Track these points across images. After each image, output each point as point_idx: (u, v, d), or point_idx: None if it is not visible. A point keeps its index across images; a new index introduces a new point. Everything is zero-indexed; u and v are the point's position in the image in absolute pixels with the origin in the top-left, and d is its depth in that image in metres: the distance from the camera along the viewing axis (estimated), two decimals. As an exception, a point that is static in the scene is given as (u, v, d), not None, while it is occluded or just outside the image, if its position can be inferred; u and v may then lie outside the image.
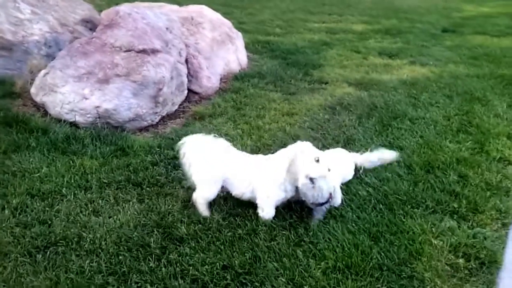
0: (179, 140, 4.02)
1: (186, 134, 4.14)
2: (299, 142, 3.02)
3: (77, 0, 6.87)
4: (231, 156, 3.19)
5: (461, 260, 2.73)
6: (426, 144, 4.08)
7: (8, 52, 5.51)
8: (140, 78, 4.39)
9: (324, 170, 2.85)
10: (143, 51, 4.51)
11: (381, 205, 3.20)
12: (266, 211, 3.00)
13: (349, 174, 3.47)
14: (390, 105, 5.01)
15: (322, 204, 2.95)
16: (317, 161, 2.85)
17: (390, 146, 4.06)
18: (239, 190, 3.09)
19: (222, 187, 3.12)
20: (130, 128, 4.45)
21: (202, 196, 3.07)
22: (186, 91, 5.17)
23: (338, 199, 3.15)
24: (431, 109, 4.91)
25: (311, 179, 2.82)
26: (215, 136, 3.25)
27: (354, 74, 6.32)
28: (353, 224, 2.98)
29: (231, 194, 3.16)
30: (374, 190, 3.36)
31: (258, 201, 3.03)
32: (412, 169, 3.67)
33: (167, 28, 4.99)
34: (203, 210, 3.06)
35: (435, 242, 2.86)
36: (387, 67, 6.77)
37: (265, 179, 2.98)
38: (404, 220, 3.03)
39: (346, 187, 3.35)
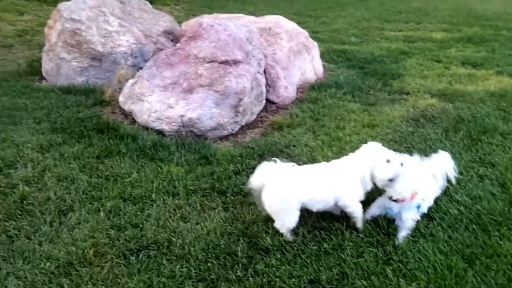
0: (259, 149, 4.11)
1: (265, 144, 4.23)
2: (369, 143, 3.07)
3: (159, 13, 7.20)
4: (302, 177, 3.03)
5: None
6: (521, 161, 3.83)
7: (98, 62, 5.88)
8: (222, 88, 4.50)
9: (396, 170, 2.89)
10: (226, 62, 4.62)
11: (474, 225, 3.04)
12: (357, 208, 3.00)
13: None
14: (478, 118, 4.76)
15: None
16: (388, 161, 2.91)
17: (481, 162, 3.85)
18: (321, 204, 3.02)
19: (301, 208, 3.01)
20: (212, 136, 4.56)
21: (282, 228, 2.96)
22: (264, 101, 5.23)
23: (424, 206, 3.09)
24: (525, 124, 4.61)
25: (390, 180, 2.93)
26: (275, 160, 3.06)
27: (436, 84, 6.08)
28: (445, 244, 2.85)
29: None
30: (466, 209, 3.20)
31: (342, 203, 3.00)
32: (506, 188, 3.45)
33: (247, 39, 5.08)
34: (287, 236, 2.96)
35: (538, 268, 2.66)
36: (472, 77, 6.44)
37: (344, 183, 2.99)
38: (501, 242, 2.85)
39: (435, 205, 3.21)
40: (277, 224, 2.97)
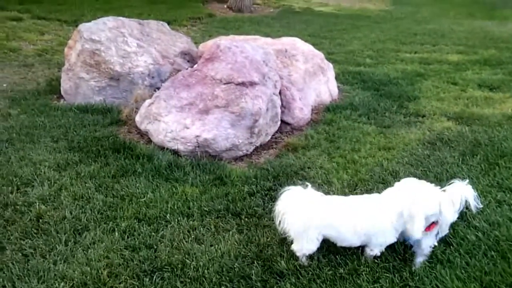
0: (274, 171, 4.10)
1: (280, 166, 4.23)
2: (405, 180, 2.91)
3: (176, 34, 7.31)
4: (329, 206, 2.93)
5: None
6: (541, 186, 3.76)
7: (116, 82, 5.97)
8: (238, 110, 4.53)
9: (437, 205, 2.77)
10: (242, 84, 4.66)
11: (492, 252, 2.98)
12: (375, 252, 2.90)
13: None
14: (495, 142, 4.70)
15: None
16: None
17: (499, 187, 3.79)
18: (348, 241, 2.90)
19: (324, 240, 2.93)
20: (226, 157, 4.58)
21: (300, 252, 2.92)
22: (279, 122, 5.25)
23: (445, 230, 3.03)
24: (543, 148, 4.54)
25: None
26: (305, 185, 3.01)
27: (452, 107, 6.04)
28: (463, 271, 2.80)
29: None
30: (484, 235, 3.14)
31: (371, 246, 2.90)
32: (526, 214, 3.39)
33: (263, 61, 5.12)
34: (303, 261, 2.93)
35: (560, 299, 2.59)
36: (489, 100, 6.39)
37: (378, 225, 2.79)
38: (522, 269, 2.79)
39: (452, 230, 3.16)
40: (294, 247, 2.93)
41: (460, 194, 3.15)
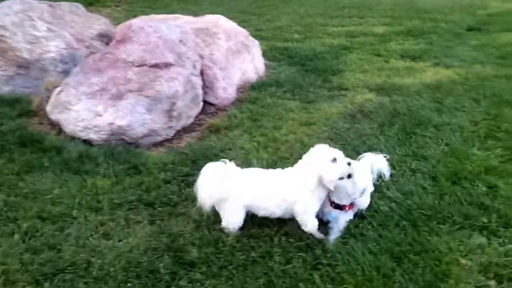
0: (193, 155, 3.96)
1: (200, 149, 4.10)
2: (316, 145, 2.96)
3: (93, 16, 6.89)
4: (248, 177, 2.99)
5: (492, 282, 2.53)
6: (452, 152, 3.86)
7: (25, 70, 5.55)
8: (153, 93, 4.32)
9: (343, 168, 2.82)
10: (156, 66, 4.44)
11: (404, 222, 3.01)
12: (311, 224, 2.87)
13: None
14: (413, 111, 4.79)
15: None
16: (334, 160, 2.82)
17: (414, 156, 3.86)
18: (268, 210, 2.92)
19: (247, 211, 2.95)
20: (145, 143, 4.38)
21: (229, 227, 2.93)
22: (201, 104, 5.08)
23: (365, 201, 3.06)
24: (457, 114, 4.67)
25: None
26: (223, 161, 3.02)
27: (375, 78, 6.11)
28: (374, 244, 2.81)
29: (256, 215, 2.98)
30: (397, 205, 3.17)
31: (298, 218, 2.89)
32: (438, 181, 3.46)
33: (180, 41, 4.91)
34: (235, 234, 2.93)
35: (464, 262, 2.66)
36: (410, 70, 6.52)
37: (297, 192, 2.83)
38: (429, 238, 2.83)
39: (366, 202, 3.17)
40: (223, 224, 2.95)
41: (372, 162, 3.17)
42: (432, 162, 3.73)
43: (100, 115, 4.26)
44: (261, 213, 2.94)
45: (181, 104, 4.54)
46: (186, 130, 4.83)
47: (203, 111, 5.26)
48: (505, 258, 2.68)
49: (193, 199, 3.32)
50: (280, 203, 2.87)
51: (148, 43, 4.60)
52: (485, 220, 2.99)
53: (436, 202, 3.20)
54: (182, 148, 4.30)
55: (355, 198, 2.91)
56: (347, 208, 2.92)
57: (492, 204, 3.15)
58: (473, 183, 3.40)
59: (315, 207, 2.89)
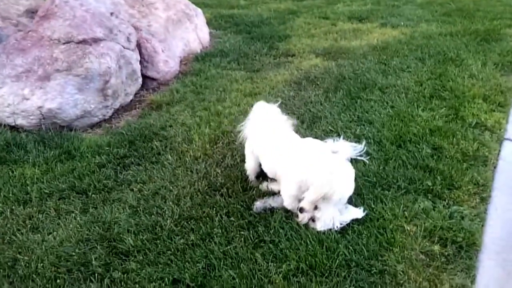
0: (131, 135, 3.74)
1: (139, 128, 3.88)
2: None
3: (20, -10, 6.37)
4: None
5: (436, 247, 2.48)
6: (397, 115, 3.79)
7: None
8: (83, 71, 4.01)
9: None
10: (84, 42, 4.12)
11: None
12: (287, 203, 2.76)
13: None
14: (359, 75, 4.69)
15: None
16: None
17: (359, 121, 3.77)
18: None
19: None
20: (80, 126, 4.11)
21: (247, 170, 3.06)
22: (140, 79, 4.81)
23: None
24: (403, 75, 4.61)
25: None
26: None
27: (322, 43, 5.97)
28: (319, 216, 2.70)
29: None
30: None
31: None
32: (383, 145, 3.39)
33: (111, 13, 4.58)
34: (252, 181, 3.06)
35: (408, 228, 2.60)
36: (357, 32, 6.42)
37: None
38: (373, 206, 2.76)
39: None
40: None
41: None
42: (377, 126, 3.65)
43: (27, 99, 3.94)
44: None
45: (115, 81, 4.26)
46: (125, 108, 4.58)
47: (144, 87, 5.00)
48: (449, 221, 2.64)
49: (130, 183, 3.14)
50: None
51: (74, 18, 4.25)
52: (429, 183, 2.95)
53: (381, 167, 3.13)
54: (122, 127, 4.06)
55: None
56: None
57: (437, 166, 3.11)
58: (417, 145, 3.35)
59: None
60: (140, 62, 4.91)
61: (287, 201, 2.70)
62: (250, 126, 3.01)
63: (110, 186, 3.12)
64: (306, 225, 2.61)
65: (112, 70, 4.16)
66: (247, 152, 3.05)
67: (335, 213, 2.59)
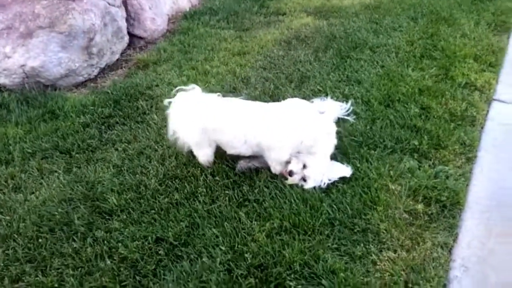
0: (116, 94, 3.67)
1: (125, 87, 3.81)
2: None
3: None
4: (220, 109, 2.67)
5: (420, 206, 2.48)
6: (387, 74, 3.74)
7: None
8: (67, 28, 3.89)
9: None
10: (66, -3, 3.98)
11: (335, 150, 2.89)
12: (278, 169, 2.69)
13: None
14: (350, 34, 4.59)
15: None
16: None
17: (348, 81, 3.71)
18: (237, 149, 2.67)
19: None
20: (65, 85, 4.03)
21: (201, 161, 2.80)
22: (126, 38, 4.68)
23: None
24: (394, 35, 4.52)
25: None
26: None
27: (313, 1, 5.81)
28: (304, 175, 2.70)
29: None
30: (328, 133, 3.04)
31: (268, 160, 2.69)
32: (371, 105, 3.35)
33: (95, -33, 4.40)
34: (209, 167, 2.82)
35: (393, 187, 2.60)
36: (350, -10, 6.23)
37: (276, 137, 2.57)
38: (359, 165, 2.74)
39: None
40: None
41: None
42: (366, 86, 3.60)
43: (9, 57, 3.83)
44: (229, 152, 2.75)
45: (100, 39, 4.15)
46: (111, 67, 4.48)
47: (131, 46, 4.89)
48: (434, 180, 2.64)
49: (114, 142, 3.10)
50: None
51: (56, -29, 4.08)
52: (416, 142, 2.93)
53: (368, 127, 3.10)
54: (108, 87, 3.98)
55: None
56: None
57: (424, 126, 3.09)
58: (406, 105, 3.32)
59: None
60: (127, 20, 4.77)
61: (277, 168, 2.67)
62: (191, 114, 2.67)
63: (94, 145, 3.09)
64: (292, 185, 2.60)
65: (96, 27, 4.04)
66: (194, 142, 2.73)
67: (324, 170, 2.58)
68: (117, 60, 4.59)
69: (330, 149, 2.64)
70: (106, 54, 4.33)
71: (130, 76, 4.17)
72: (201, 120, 2.62)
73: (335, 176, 2.63)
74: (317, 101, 3.26)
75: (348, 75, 3.78)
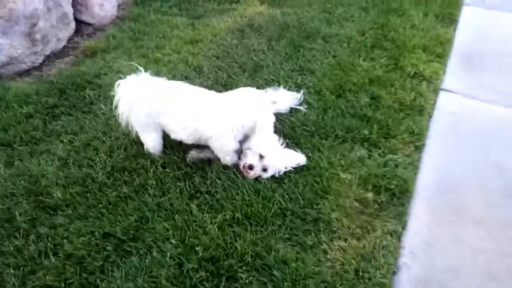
0: (62, 83, 3.52)
1: (71, 76, 3.66)
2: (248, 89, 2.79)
3: None
4: (165, 91, 2.62)
5: (370, 194, 2.53)
6: (338, 64, 3.77)
7: None
8: (6, 13, 3.67)
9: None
10: (5, -21, 3.75)
11: (287, 140, 2.89)
12: (228, 159, 2.64)
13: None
14: (303, 23, 4.59)
15: None
16: None
17: (301, 71, 3.72)
18: (178, 134, 2.63)
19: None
20: (7, 74, 3.81)
21: (148, 148, 2.73)
22: (73, 24, 4.48)
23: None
24: (346, 25, 4.55)
25: None
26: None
27: (267, -11, 5.76)
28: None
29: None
30: (280, 124, 3.04)
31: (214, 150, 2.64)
32: (322, 95, 3.37)
33: (37, -52, 4.17)
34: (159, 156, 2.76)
35: (344, 176, 2.63)
36: (304, -21, 6.23)
37: (215, 123, 2.53)
38: (310, 155, 2.76)
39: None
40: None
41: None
42: (318, 76, 3.62)
43: None
44: (172, 135, 2.69)
45: (44, 25, 3.95)
46: (57, 55, 4.28)
47: (78, 32, 4.69)
48: (384, 169, 2.69)
49: (59, 133, 2.97)
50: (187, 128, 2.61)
51: (-6, -48, 3.83)
52: (366, 132, 2.98)
53: (320, 117, 3.12)
54: (54, 75, 3.81)
55: None
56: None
57: (374, 115, 3.14)
58: (357, 95, 3.36)
59: (233, 147, 2.63)
60: (73, 5, 4.56)
61: (227, 158, 2.64)
62: (134, 97, 2.61)
63: (38, 137, 2.95)
64: (244, 176, 2.58)
65: (39, 12, 3.83)
66: (140, 126, 2.67)
67: (280, 157, 2.59)
68: (64, 47, 4.39)
69: (271, 125, 2.67)
70: (52, 41, 4.13)
71: (78, 64, 4.01)
72: (146, 103, 2.55)
73: (292, 163, 2.64)
74: (270, 90, 3.25)
75: (301, 65, 3.79)
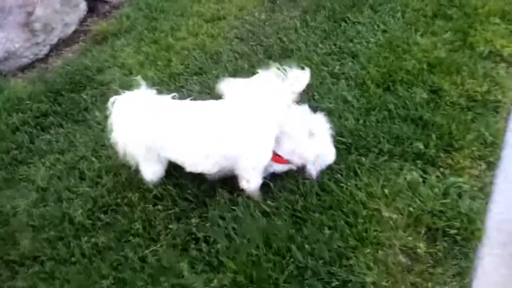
0: (60, 82, 3.07)
1: (72, 71, 3.23)
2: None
3: None
4: (173, 122, 2.03)
5: (422, 244, 1.86)
6: (389, 43, 2.97)
7: None
8: (-3, 3, 3.23)
9: None
10: (-8, -38, 3.27)
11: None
12: (254, 182, 2.07)
13: None
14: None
15: None
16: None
17: (340, 53, 2.98)
18: (198, 167, 2.06)
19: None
20: (7, 70, 3.43)
21: (144, 178, 2.18)
22: (83, 4, 3.98)
23: None
24: (402, -14, 3.67)
25: None
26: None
27: None
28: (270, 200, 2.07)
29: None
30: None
31: (240, 172, 2.06)
32: (366, 89, 2.64)
33: None
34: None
35: (387, 215, 1.97)
36: None
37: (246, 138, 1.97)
38: (344, 182, 2.10)
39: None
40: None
41: None
42: (361, 61, 2.86)
43: None
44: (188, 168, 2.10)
45: (44, 12, 3.47)
46: (66, 42, 3.84)
47: (94, 12, 4.21)
48: (442, 201, 1.99)
49: (44, 153, 2.52)
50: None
51: None
52: (421, 144, 2.25)
53: (360, 122, 2.42)
54: (58, 68, 3.38)
55: None
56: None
57: (433, 117, 2.39)
58: (410, 88, 2.59)
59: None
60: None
61: (254, 179, 2.06)
62: (131, 125, 2.04)
63: (20, 159, 2.56)
64: (254, 217, 1.99)
65: (33, -2, 3.35)
66: (139, 156, 2.12)
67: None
68: (75, 31, 3.92)
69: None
70: (57, 28, 3.67)
71: (86, 53, 3.54)
72: (147, 134, 2.00)
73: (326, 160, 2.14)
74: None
75: (341, 46, 3.04)
